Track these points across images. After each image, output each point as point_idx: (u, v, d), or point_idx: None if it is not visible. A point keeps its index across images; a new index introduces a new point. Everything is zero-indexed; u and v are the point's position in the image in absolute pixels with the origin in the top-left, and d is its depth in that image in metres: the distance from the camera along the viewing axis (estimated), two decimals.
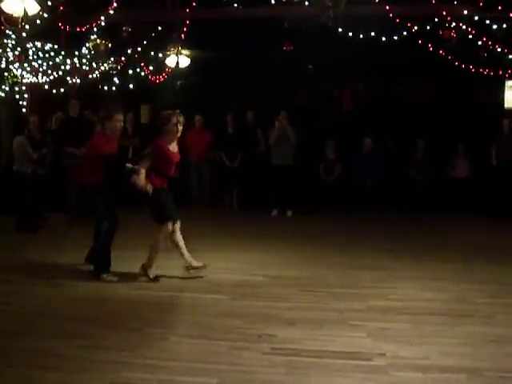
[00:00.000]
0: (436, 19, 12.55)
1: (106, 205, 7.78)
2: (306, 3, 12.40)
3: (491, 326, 5.88)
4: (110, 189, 7.75)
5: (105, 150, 7.68)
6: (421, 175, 14.79)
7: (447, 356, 5.01)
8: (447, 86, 15.97)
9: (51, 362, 4.83)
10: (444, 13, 12.35)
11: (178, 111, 7.86)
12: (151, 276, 7.69)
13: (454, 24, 12.65)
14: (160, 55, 14.94)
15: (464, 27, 12.49)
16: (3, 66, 12.77)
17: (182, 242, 7.92)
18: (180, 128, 7.78)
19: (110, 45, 14.31)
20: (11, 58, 12.76)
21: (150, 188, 7.54)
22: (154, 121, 8.24)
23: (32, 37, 12.65)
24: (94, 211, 8.06)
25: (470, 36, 12.52)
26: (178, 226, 7.90)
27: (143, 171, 7.56)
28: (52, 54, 13.21)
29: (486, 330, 5.73)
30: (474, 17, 12.22)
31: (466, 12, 12.16)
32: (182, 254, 7.91)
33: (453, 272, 8.19)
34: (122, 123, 7.97)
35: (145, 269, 7.75)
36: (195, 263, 7.90)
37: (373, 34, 12.63)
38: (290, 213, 13.80)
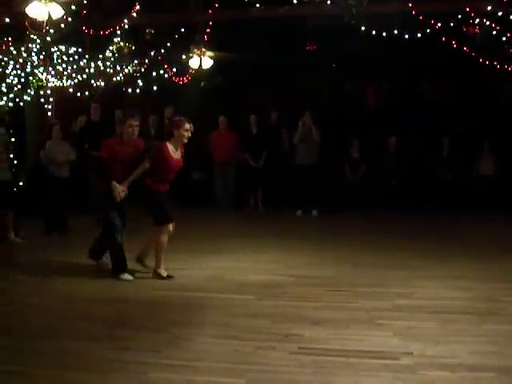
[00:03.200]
0: (459, 16, 12.48)
1: (115, 205, 7.83)
2: (329, 2, 12.38)
3: None
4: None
5: (116, 152, 7.78)
6: (446, 173, 14.72)
7: (474, 355, 4.97)
8: (472, 83, 15.87)
9: (77, 363, 4.85)
10: (467, 9, 12.28)
11: (187, 119, 7.92)
12: (164, 275, 7.77)
13: (477, 20, 12.57)
14: (183, 57, 15.01)
15: (488, 23, 12.40)
16: (28, 70, 12.90)
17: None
18: (189, 135, 7.83)
19: (133, 47, 14.41)
20: (36, 63, 12.89)
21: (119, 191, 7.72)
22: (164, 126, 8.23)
23: (56, 41, 12.77)
24: (101, 211, 8.11)
25: (494, 32, 12.43)
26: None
27: (138, 172, 7.72)
28: (76, 57, 13.33)
29: None
30: (497, 13, 12.13)
31: (489, 8, 12.07)
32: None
33: (478, 271, 8.13)
34: (136, 128, 7.94)
35: (157, 272, 7.82)
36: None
37: (396, 31, 12.58)
38: (315, 212, 13.80)
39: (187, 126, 7.77)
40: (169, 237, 7.90)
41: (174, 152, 7.82)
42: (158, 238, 7.85)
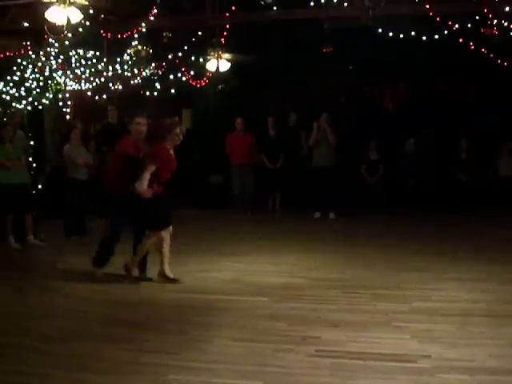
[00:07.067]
0: (477, 17, 12.43)
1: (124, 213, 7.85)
2: (345, 4, 12.37)
3: None
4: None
5: (130, 151, 7.79)
6: (465, 175, 14.65)
7: (494, 358, 4.94)
8: (490, 85, 15.78)
9: (96, 365, 4.87)
10: (485, 10, 12.22)
11: (178, 120, 8.02)
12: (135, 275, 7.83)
13: (495, 21, 12.51)
14: (200, 60, 15.05)
15: (506, 24, 12.34)
16: (47, 74, 13.00)
17: (167, 251, 7.83)
18: (180, 139, 7.82)
19: (150, 51, 14.47)
20: (54, 66, 12.98)
21: (150, 194, 7.59)
22: (155, 129, 8.14)
23: (74, 45, 12.85)
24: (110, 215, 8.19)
25: None
26: (170, 232, 7.90)
27: (147, 176, 7.52)
28: (94, 61, 13.42)
29: None
30: None
31: (507, 9, 12.00)
32: (161, 262, 7.83)
33: (497, 273, 8.08)
34: (144, 126, 7.94)
35: (128, 268, 7.86)
36: (170, 275, 7.80)
37: (413, 33, 12.55)
38: (332, 215, 13.77)
39: (178, 129, 7.79)
40: (164, 243, 7.84)
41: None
42: (145, 241, 7.82)
